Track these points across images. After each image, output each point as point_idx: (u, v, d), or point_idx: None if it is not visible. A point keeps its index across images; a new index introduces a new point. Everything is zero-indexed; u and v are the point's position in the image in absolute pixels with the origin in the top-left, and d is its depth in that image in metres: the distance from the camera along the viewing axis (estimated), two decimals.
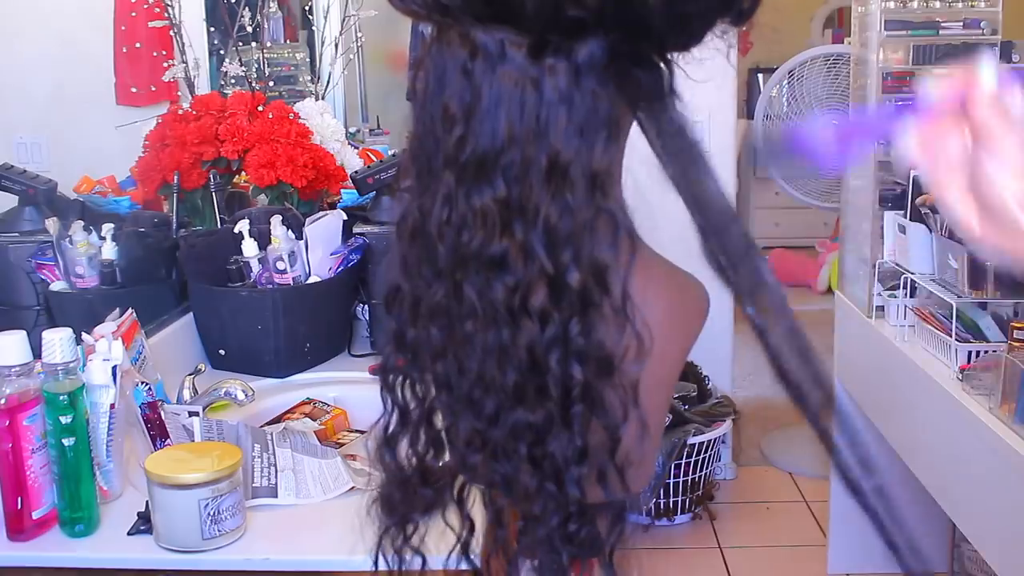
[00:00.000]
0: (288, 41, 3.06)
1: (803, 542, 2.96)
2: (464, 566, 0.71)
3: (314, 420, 1.62)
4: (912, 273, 2.19)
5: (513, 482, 0.65)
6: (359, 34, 2.82)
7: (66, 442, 1.18)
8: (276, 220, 1.82)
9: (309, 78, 2.87)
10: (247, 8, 2.40)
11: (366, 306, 2.01)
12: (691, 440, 2.95)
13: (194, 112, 2.07)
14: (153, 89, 2.20)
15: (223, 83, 2.40)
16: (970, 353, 1.90)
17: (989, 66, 0.53)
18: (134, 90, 2.19)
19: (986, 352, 1.89)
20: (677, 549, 2.88)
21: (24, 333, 1.18)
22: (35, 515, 1.20)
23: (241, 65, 2.38)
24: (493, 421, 0.64)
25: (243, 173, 2.08)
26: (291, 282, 1.83)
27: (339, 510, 1.26)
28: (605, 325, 0.63)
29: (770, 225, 6.87)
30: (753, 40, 6.51)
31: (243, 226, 1.85)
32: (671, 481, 2.98)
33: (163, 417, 1.40)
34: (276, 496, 1.29)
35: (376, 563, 0.70)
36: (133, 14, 2.14)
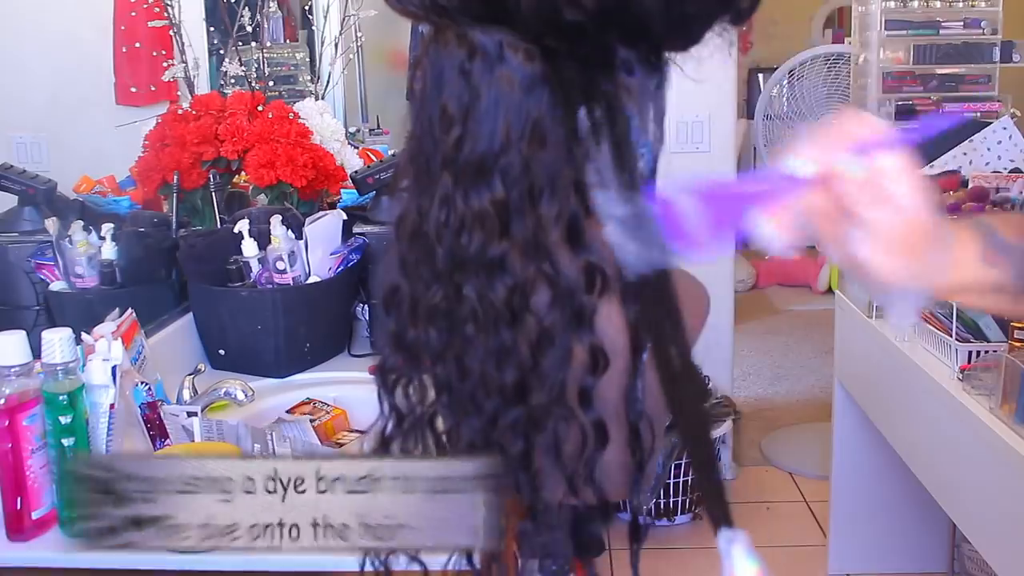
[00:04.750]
0: (288, 41, 3.06)
1: (803, 542, 2.96)
2: (464, 568, 0.71)
3: (314, 420, 1.62)
4: None
5: (518, 484, 0.65)
6: (359, 34, 2.83)
7: (66, 442, 1.18)
8: (276, 220, 1.82)
9: (309, 78, 2.87)
10: (247, 8, 2.40)
11: (366, 306, 2.00)
12: None
13: (194, 112, 2.07)
14: (153, 89, 2.20)
15: (223, 83, 2.40)
16: (970, 353, 1.90)
17: (851, 159, 0.54)
18: (134, 90, 2.19)
19: (986, 352, 1.89)
20: (677, 549, 2.88)
21: (24, 333, 1.18)
22: (35, 515, 1.19)
23: (241, 65, 2.38)
24: (496, 422, 0.64)
25: (243, 173, 2.08)
26: (291, 282, 1.83)
27: None
28: (607, 324, 0.63)
29: None
30: (753, 40, 6.52)
31: (243, 226, 1.85)
32: (671, 481, 2.98)
33: (163, 417, 1.40)
34: None
35: (363, 566, 0.70)
36: (133, 14, 2.14)
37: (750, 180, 0.55)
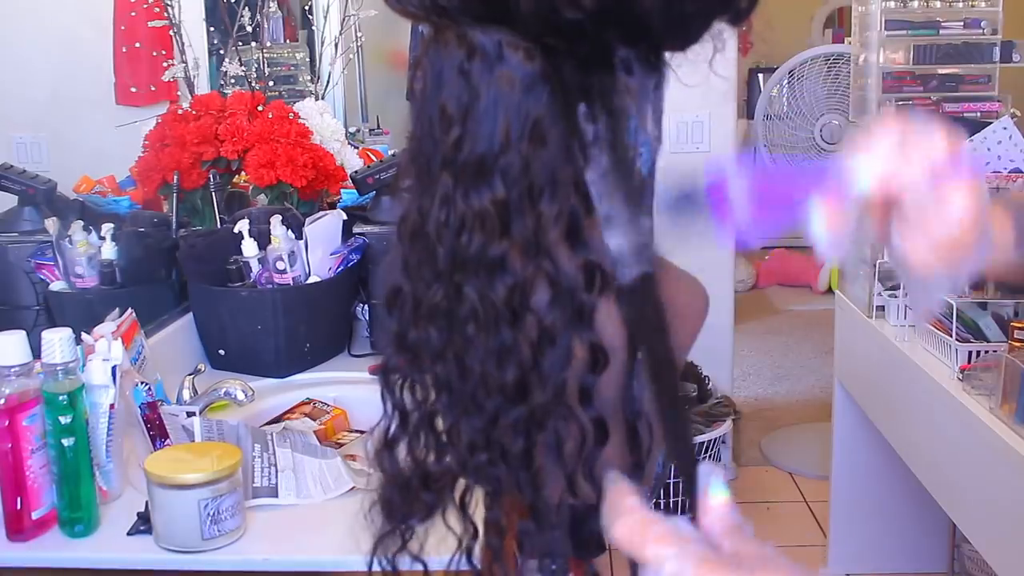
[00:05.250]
0: (288, 41, 3.07)
1: (803, 542, 2.97)
2: (465, 568, 0.71)
3: (314, 420, 1.62)
4: None
5: (519, 483, 0.65)
6: (359, 34, 2.83)
7: (65, 442, 1.18)
8: (276, 220, 1.82)
9: (309, 78, 2.87)
10: (247, 8, 2.40)
11: (366, 306, 2.01)
12: None
13: (194, 112, 2.07)
14: (153, 89, 2.20)
15: (223, 83, 2.40)
16: (970, 353, 1.90)
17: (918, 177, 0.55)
18: (134, 90, 2.19)
19: (986, 352, 1.89)
20: None
21: (24, 333, 1.18)
22: (35, 515, 1.20)
23: (241, 65, 2.38)
24: (496, 422, 0.64)
25: (243, 173, 2.08)
26: (291, 282, 1.83)
27: (339, 510, 1.26)
28: (605, 323, 0.63)
29: None
30: (753, 40, 6.52)
31: (243, 226, 1.85)
32: (671, 481, 2.98)
33: (163, 417, 1.40)
34: (276, 496, 1.29)
35: (371, 566, 0.70)
36: (133, 14, 2.14)
37: (806, 173, 0.57)
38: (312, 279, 1.85)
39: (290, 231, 1.83)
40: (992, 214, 0.63)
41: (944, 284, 0.60)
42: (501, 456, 0.65)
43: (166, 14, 2.12)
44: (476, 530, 0.70)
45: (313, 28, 2.89)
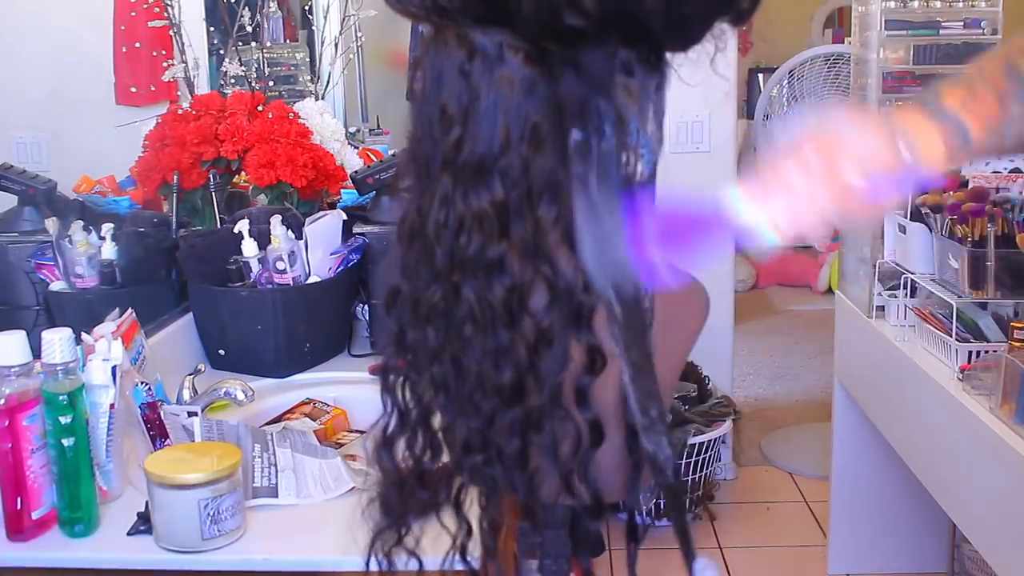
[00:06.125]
0: (288, 41, 3.06)
1: (803, 542, 2.96)
2: (460, 567, 0.71)
3: (314, 420, 1.62)
4: (912, 273, 2.19)
5: (515, 483, 0.65)
6: (359, 34, 2.83)
7: (65, 442, 1.18)
8: (276, 220, 1.82)
9: (309, 78, 2.87)
10: (247, 8, 2.40)
11: (366, 306, 2.01)
12: (691, 440, 2.94)
13: (194, 112, 2.07)
14: (153, 89, 2.19)
15: (223, 83, 2.40)
16: (970, 353, 1.90)
17: None
18: (134, 90, 2.19)
19: (986, 352, 1.89)
20: (677, 549, 2.88)
21: (24, 333, 1.18)
22: (34, 515, 1.20)
23: (241, 65, 2.38)
24: (491, 422, 0.64)
25: (243, 173, 2.08)
26: (291, 282, 1.83)
27: (339, 510, 1.26)
28: (604, 326, 0.63)
29: None
30: (753, 40, 6.52)
31: (243, 226, 1.85)
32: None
33: (163, 417, 1.40)
34: (276, 496, 1.29)
35: (368, 564, 0.70)
36: (133, 14, 2.14)
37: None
38: (312, 279, 1.85)
39: (290, 231, 1.83)
40: (913, 134, 0.63)
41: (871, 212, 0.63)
42: (497, 456, 0.65)
43: (166, 14, 2.12)
44: (470, 527, 0.71)
45: (313, 28, 2.88)
